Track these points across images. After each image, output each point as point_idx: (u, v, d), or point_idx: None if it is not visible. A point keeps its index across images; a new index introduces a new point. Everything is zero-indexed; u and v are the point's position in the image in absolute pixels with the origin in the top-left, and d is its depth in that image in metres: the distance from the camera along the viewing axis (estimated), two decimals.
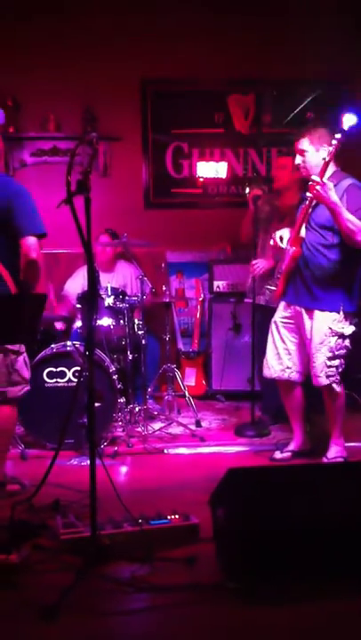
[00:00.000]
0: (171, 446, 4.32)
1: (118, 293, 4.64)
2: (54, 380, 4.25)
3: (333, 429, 3.82)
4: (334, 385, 3.70)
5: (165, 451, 4.24)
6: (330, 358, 3.67)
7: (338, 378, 3.70)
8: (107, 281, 5.01)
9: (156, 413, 4.88)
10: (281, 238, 3.81)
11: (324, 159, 3.47)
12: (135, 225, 5.45)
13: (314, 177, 3.48)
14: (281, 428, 4.52)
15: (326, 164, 3.47)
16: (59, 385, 4.24)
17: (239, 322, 5.56)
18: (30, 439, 4.22)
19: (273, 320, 3.94)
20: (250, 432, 4.52)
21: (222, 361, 5.58)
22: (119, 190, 5.83)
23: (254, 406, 4.66)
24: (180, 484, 3.57)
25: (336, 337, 3.66)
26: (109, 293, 4.60)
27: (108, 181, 5.85)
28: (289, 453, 3.98)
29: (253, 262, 4.61)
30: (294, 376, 3.88)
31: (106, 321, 4.58)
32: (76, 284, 5.18)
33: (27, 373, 3.39)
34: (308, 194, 3.56)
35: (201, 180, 6.08)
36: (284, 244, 3.79)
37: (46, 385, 4.21)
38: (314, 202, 3.60)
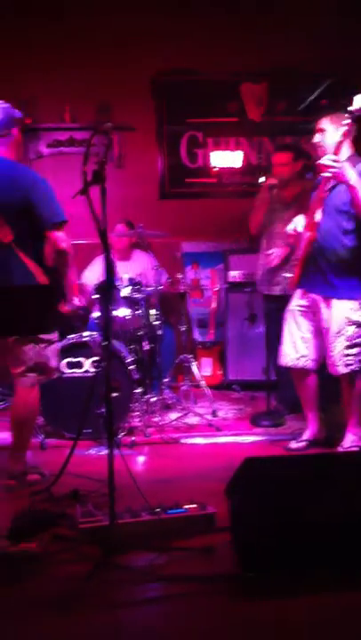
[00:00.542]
0: (187, 436, 4.35)
1: (135, 284, 4.66)
2: (72, 371, 4.28)
3: (350, 418, 3.82)
4: (353, 373, 3.70)
5: (182, 440, 4.27)
6: (348, 347, 3.66)
7: (358, 366, 3.70)
8: (124, 269, 5.03)
9: (172, 403, 4.91)
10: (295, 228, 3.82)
11: (340, 139, 3.46)
12: (150, 215, 5.46)
13: (328, 156, 3.48)
14: (297, 418, 4.52)
15: (340, 144, 3.46)
16: (76, 375, 4.28)
17: (255, 312, 5.56)
18: (49, 429, 4.27)
19: (289, 308, 3.94)
20: (266, 422, 4.54)
21: (238, 351, 5.59)
22: (134, 181, 5.84)
23: (270, 396, 4.67)
24: (197, 473, 3.59)
25: (354, 326, 3.66)
26: (126, 284, 4.62)
27: (122, 172, 5.87)
28: (304, 443, 3.98)
29: (269, 252, 4.61)
30: (309, 364, 3.88)
31: (122, 311, 4.60)
32: (94, 273, 5.19)
33: (55, 362, 3.45)
34: (324, 174, 3.55)
35: (215, 169, 6.07)
36: (300, 229, 3.79)
37: (64, 375, 4.25)
38: (330, 184, 3.59)
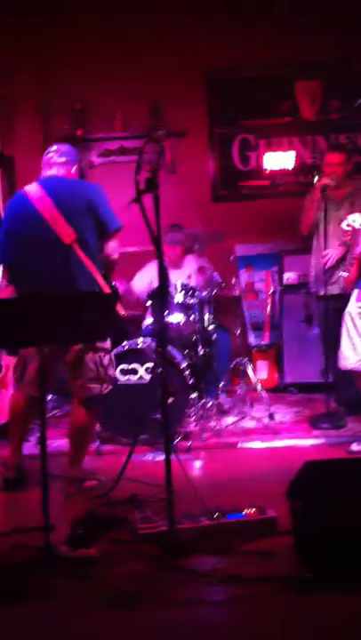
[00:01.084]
0: (244, 440, 4.31)
1: (188, 289, 4.66)
2: (126, 378, 4.30)
3: None
4: None
5: (239, 444, 4.23)
6: None
7: None
8: (176, 277, 5.03)
9: (228, 407, 4.87)
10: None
11: None
12: (203, 219, 5.44)
13: None
14: (357, 420, 4.44)
15: None
16: (131, 382, 4.30)
17: (311, 313, 5.48)
18: (106, 435, 4.29)
19: (347, 310, 3.88)
20: (325, 424, 4.45)
21: (294, 353, 5.52)
22: (186, 185, 5.83)
23: (329, 398, 4.59)
24: (255, 477, 3.55)
25: None
26: (179, 289, 4.62)
27: (174, 177, 5.86)
28: None
29: (325, 253, 4.54)
30: None
31: (176, 317, 4.60)
32: (144, 279, 5.20)
33: (112, 372, 3.47)
34: None
35: (268, 171, 6.02)
36: (357, 225, 3.73)
37: (119, 382, 4.28)
38: None
